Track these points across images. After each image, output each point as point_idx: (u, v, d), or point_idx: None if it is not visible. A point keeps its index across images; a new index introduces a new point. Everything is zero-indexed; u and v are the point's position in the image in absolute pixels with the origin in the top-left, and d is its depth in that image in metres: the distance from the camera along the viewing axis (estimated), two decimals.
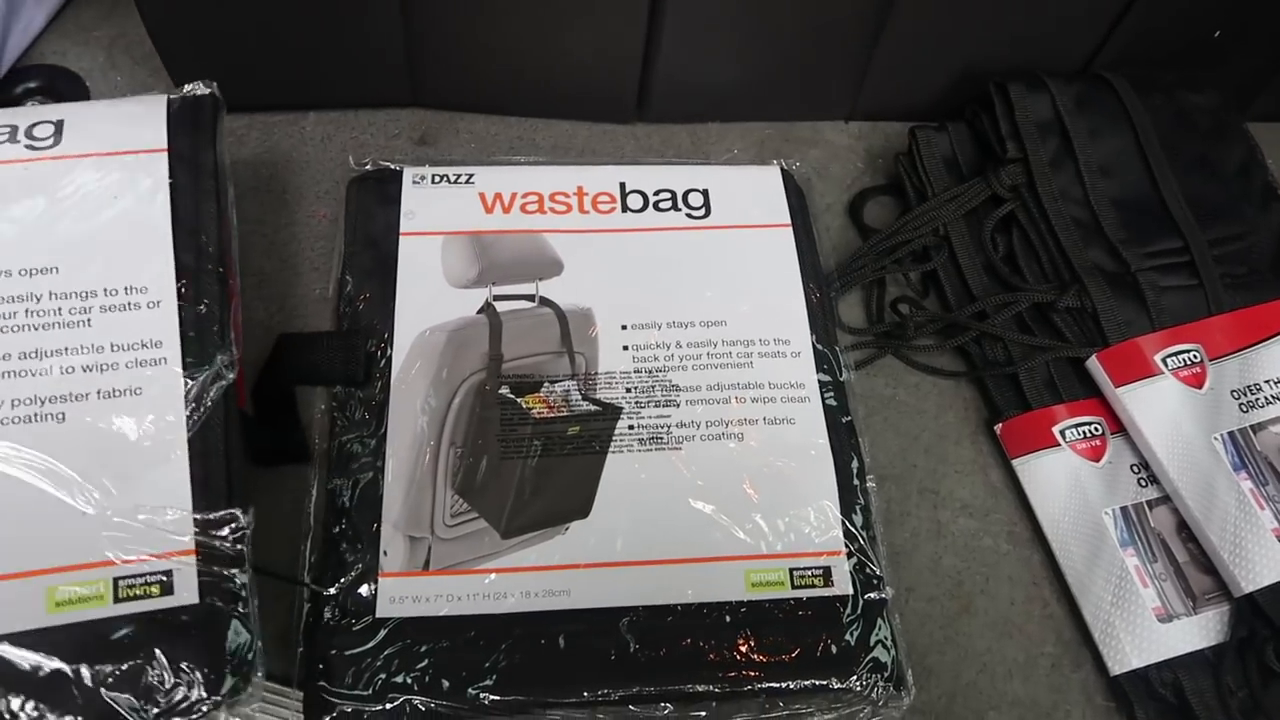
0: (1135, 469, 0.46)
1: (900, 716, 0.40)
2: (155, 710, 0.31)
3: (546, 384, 0.45)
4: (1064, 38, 0.54)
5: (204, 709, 0.31)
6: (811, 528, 0.43)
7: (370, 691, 0.38)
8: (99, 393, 0.36)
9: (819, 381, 0.46)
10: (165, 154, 0.41)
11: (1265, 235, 0.51)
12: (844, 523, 0.43)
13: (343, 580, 0.40)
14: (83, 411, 0.35)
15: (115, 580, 0.33)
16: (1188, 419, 0.45)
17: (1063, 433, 0.47)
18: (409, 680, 0.38)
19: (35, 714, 0.31)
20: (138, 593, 0.33)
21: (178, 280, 0.38)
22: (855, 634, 0.40)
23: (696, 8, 0.48)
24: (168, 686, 0.32)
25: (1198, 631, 0.43)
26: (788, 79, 0.54)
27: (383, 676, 0.38)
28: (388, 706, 0.37)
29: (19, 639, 0.31)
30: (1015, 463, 0.47)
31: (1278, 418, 0.45)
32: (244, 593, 0.34)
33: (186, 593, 0.33)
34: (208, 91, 0.44)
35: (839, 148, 0.57)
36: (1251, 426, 0.45)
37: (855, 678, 0.40)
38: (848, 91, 0.56)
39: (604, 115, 0.53)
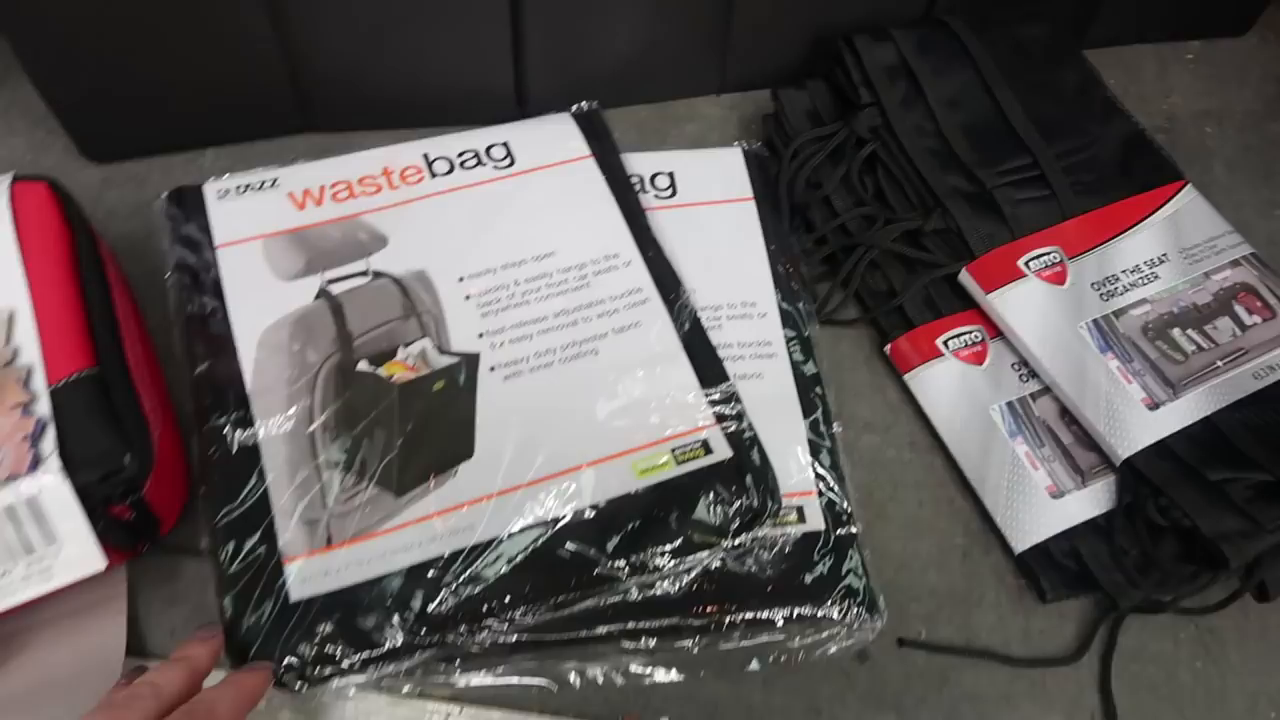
0: (1016, 366, 0.50)
1: (873, 638, 0.43)
2: (731, 526, 0.43)
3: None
4: None
5: (761, 519, 0.43)
6: (784, 471, 0.45)
7: (310, 670, 0.39)
8: (613, 330, 0.48)
9: (785, 337, 0.49)
10: (593, 159, 0.53)
11: (1108, 144, 0.55)
12: (813, 465, 0.46)
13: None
14: (608, 344, 0.47)
15: (673, 450, 0.44)
16: (1055, 313, 0.49)
17: (946, 343, 0.50)
18: (345, 648, 0.39)
19: (645, 545, 0.42)
20: (689, 456, 0.44)
21: (637, 246, 0.50)
22: (828, 565, 0.43)
23: (553, 4, 0.52)
24: (731, 512, 0.43)
25: (1089, 502, 0.46)
26: (657, 61, 0.58)
27: (321, 650, 0.39)
28: (329, 678, 0.39)
29: (624, 499, 0.43)
30: (906, 377, 0.51)
31: (1137, 302, 0.49)
32: (755, 442, 0.45)
33: (722, 450, 0.44)
34: (594, 106, 0.56)
35: (714, 120, 0.60)
36: (1113, 313, 0.49)
37: (830, 604, 0.42)
38: (715, 66, 0.59)
39: (488, 116, 0.56)
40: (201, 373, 0.46)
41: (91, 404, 0.39)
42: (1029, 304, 0.49)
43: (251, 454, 0.44)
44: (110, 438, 0.39)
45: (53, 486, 0.37)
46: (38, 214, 0.44)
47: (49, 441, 0.38)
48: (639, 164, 0.55)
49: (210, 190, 0.51)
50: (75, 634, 0.41)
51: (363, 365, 0.46)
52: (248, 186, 0.52)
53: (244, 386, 0.45)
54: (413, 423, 0.45)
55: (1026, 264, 0.50)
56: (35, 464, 0.37)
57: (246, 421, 0.45)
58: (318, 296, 0.48)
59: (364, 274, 0.49)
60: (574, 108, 0.57)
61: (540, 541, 0.42)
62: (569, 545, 0.42)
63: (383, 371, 0.46)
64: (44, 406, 0.39)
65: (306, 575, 0.41)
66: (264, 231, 0.50)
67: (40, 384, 0.39)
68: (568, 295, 0.49)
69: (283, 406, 0.45)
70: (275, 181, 0.52)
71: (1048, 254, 0.50)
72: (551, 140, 0.55)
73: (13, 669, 0.40)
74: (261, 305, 0.48)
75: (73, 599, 0.41)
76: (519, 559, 0.42)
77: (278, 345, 0.47)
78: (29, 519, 0.37)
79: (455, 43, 0.53)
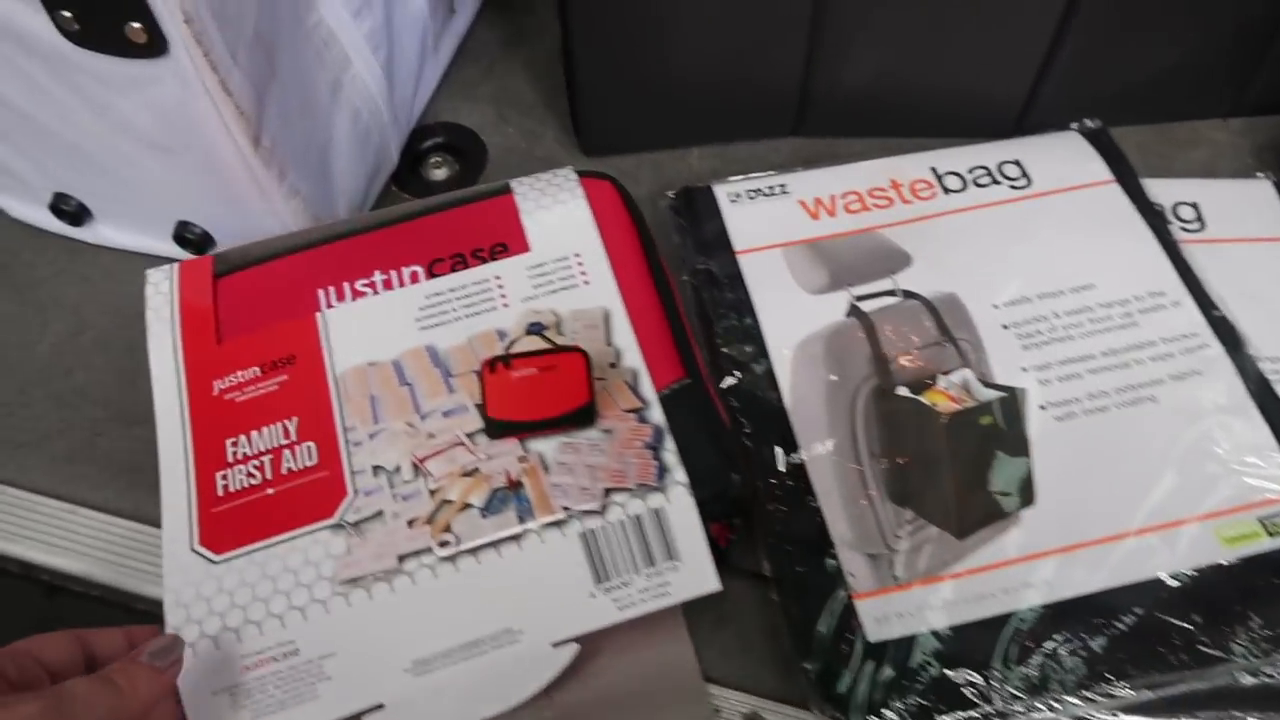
0: None
1: None
2: None
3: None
4: None
5: None
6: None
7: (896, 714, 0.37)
8: (1169, 376, 0.44)
9: None
10: (1116, 184, 0.49)
11: None
12: None
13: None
14: (1166, 392, 0.43)
15: (1261, 519, 0.40)
16: None
17: None
18: (935, 701, 0.37)
19: (1246, 623, 0.38)
20: None
21: (1184, 283, 0.46)
22: None
23: (1111, 9, 0.48)
24: None
25: None
26: (1173, 79, 0.53)
27: (909, 700, 0.37)
28: None
29: (1214, 570, 0.39)
30: None
31: None
32: None
33: None
34: (1099, 124, 0.52)
35: (1222, 145, 0.55)
36: None
37: None
38: (1232, 87, 0.54)
39: (982, 129, 0.53)
40: (734, 384, 0.45)
41: (696, 418, 0.39)
42: None
43: (800, 476, 0.42)
44: (716, 455, 0.38)
45: (679, 500, 0.36)
46: (611, 213, 0.43)
47: (670, 453, 0.37)
48: (1157, 191, 0.51)
49: (721, 193, 0.50)
50: (643, 648, 0.40)
51: (902, 390, 0.44)
52: (758, 191, 0.50)
53: (783, 402, 0.44)
54: (964, 458, 0.42)
55: None
56: (661, 475, 0.37)
57: (790, 441, 0.43)
58: (848, 313, 0.46)
59: (892, 293, 0.47)
60: (1076, 125, 0.53)
61: (1124, 605, 0.39)
62: (1158, 614, 0.39)
63: (925, 399, 0.44)
64: (657, 414, 0.38)
65: (880, 615, 0.39)
66: (782, 240, 0.49)
67: (648, 390, 0.39)
68: (1113, 333, 0.46)
69: (824, 427, 0.43)
70: (784, 188, 0.50)
71: None
72: (1068, 160, 0.51)
73: (587, 677, 0.39)
74: (790, 317, 0.46)
75: None
76: (1105, 623, 0.39)
77: (812, 361, 0.45)
78: (654, 532, 0.36)
79: (989, 51, 0.50)
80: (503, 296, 0.41)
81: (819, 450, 0.43)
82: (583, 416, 0.38)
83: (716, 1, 0.46)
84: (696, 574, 0.36)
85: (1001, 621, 0.39)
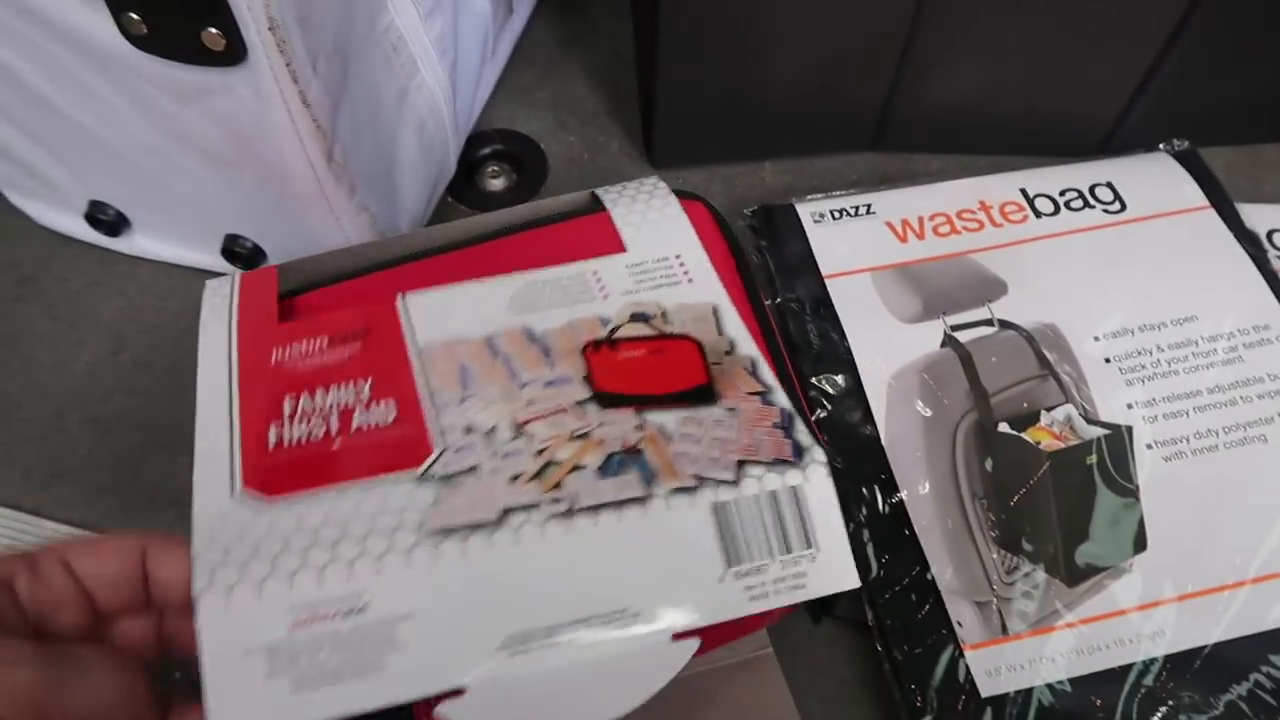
0: None
1: None
2: None
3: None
4: None
5: None
6: None
7: None
8: (1279, 415, 0.42)
9: None
10: (1212, 210, 0.47)
11: None
12: None
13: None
14: (1276, 431, 0.42)
15: None
16: None
17: None
18: None
19: None
20: None
21: None
22: None
23: (1219, 30, 0.46)
24: None
25: None
26: (1263, 101, 0.51)
27: None
28: None
29: None
30: None
31: None
32: None
33: None
34: (1187, 145, 0.50)
35: None
36: None
37: None
38: None
39: (1063, 150, 0.51)
40: (824, 417, 0.43)
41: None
42: None
43: (900, 518, 0.40)
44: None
45: (818, 480, 0.32)
46: (706, 236, 0.41)
47: (803, 433, 0.34)
48: (1251, 217, 0.49)
49: (805, 212, 0.48)
50: (737, 698, 0.38)
51: (1004, 427, 0.42)
52: (842, 211, 0.48)
53: (879, 438, 0.42)
54: (1068, 499, 0.40)
55: None
56: (799, 453, 0.33)
57: (888, 479, 0.41)
58: (943, 344, 0.44)
59: (988, 323, 0.45)
60: (1164, 146, 0.51)
61: (1247, 660, 0.37)
62: None
63: (1028, 437, 0.42)
64: (782, 399, 0.34)
65: (991, 667, 0.37)
66: (871, 264, 0.46)
67: (769, 377, 0.35)
68: (1218, 369, 0.44)
69: (923, 464, 0.41)
70: (870, 208, 0.48)
71: None
72: (1161, 184, 0.49)
73: (680, 714, 0.37)
74: (883, 347, 0.44)
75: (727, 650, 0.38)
76: (1228, 678, 0.37)
77: (907, 394, 0.43)
78: (791, 513, 0.32)
79: (1088, 70, 0.48)
80: (601, 289, 0.37)
81: (918, 490, 0.41)
82: (702, 394, 0.34)
83: (816, 11, 0.44)
84: (835, 567, 0.32)
85: (1121, 676, 0.37)
